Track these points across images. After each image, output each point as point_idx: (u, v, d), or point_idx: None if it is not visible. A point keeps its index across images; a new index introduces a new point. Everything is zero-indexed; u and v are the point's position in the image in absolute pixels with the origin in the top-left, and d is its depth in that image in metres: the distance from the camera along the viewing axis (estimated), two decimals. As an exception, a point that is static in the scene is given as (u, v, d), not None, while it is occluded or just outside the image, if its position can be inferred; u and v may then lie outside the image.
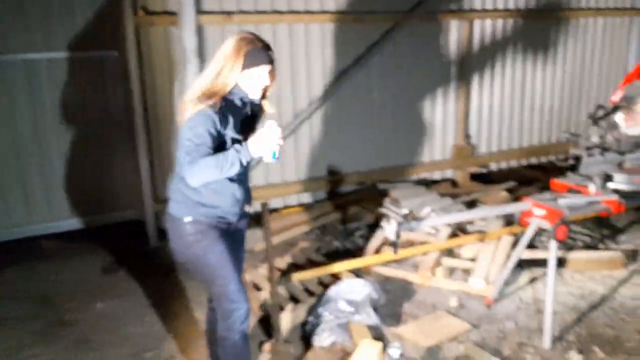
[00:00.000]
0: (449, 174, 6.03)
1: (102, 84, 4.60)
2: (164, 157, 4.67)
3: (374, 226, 4.67)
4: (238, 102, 2.23)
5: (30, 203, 4.53)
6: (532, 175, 6.10)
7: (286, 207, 5.19)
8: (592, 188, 3.07)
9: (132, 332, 3.26)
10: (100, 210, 4.75)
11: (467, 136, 6.04)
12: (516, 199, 5.00)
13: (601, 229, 4.44)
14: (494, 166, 6.31)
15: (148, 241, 4.53)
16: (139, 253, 4.39)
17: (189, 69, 4.40)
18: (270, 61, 2.19)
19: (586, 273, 3.73)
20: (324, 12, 5.06)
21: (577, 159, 3.23)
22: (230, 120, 2.17)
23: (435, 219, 2.94)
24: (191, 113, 2.12)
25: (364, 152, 5.53)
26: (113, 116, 4.67)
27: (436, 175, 5.95)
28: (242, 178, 2.31)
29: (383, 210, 2.85)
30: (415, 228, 2.85)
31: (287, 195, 5.23)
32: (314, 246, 4.35)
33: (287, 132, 5.01)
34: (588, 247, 4.13)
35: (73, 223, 4.70)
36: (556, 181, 3.24)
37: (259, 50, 2.16)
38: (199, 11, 4.48)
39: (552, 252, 2.87)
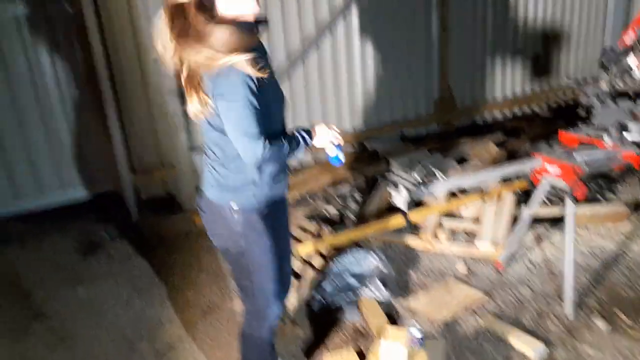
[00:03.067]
0: (434, 128, 5.83)
1: (55, 44, 4.08)
2: (136, 124, 4.27)
3: (365, 189, 4.46)
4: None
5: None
6: (517, 126, 5.96)
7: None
8: (607, 140, 2.89)
9: (121, 320, 2.99)
10: (72, 184, 4.34)
11: (449, 88, 5.81)
12: (509, 153, 4.86)
13: (597, 179, 4.34)
14: (478, 119, 6.15)
15: (129, 215, 4.19)
16: (120, 229, 4.06)
17: (155, 22, 3.95)
18: None
19: (591, 228, 3.64)
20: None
21: (588, 108, 3.04)
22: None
23: (447, 183, 2.73)
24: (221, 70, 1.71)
25: (346, 110, 5.25)
26: (72, 80, 4.19)
27: (422, 130, 5.74)
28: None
29: (390, 176, 2.62)
30: (427, 195, 2.63)
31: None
32: (303, 212, 4.11)
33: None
34: (587, 200, 4.02)
35: (44, 200, 4.26)
36: (566, 134, 3.06)
37: None
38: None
39: (569, 215, 2.71)
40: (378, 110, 5.42)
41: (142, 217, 4.19)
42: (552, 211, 3.77)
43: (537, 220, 3.70)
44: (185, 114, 4.23)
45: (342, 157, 2.01)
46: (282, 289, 2.10)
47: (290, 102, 4.92)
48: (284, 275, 2.10)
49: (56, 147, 4.24)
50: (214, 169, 1.91)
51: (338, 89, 5.14)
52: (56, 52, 4.10)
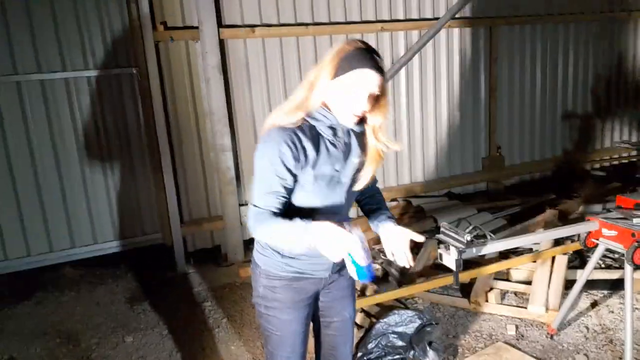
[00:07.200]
0: (482, 186, 5.78)
1: (121, 103, 4.38)
2: (189, 177, 4.46)
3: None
4: (326, 132, 1.68)
5: (51, 229, 4.30)
6: (569, 185, 5.82)
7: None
8: (667, 204, 2.79)
9: (165, 371, 3.02)
10: (124, 234, 4.52)
11: (498, 147, 5.79)
12: (560, 214, 4.74)
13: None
14: (527, 177, 6.06)
15: (175, 267, 4.30)
16: (167, 280, 4.16)
17: (212, 84, 4.21)
18: (376, 67, 1.59)
19: (651, 294, 3.45)
20: (349, 22, 4.85)
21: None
22: (321, 156, 1.66)
23: (498, 244, 2.68)
24: (261, 135, 1.68)
25: (393, 166, 5.30)
26: (132, 136, 4.45)
27: (469, 188, 5.69)
28: (335, 213, 1.76)
29: (440, 236, 2.59)
30: (477, 255, 2.58)
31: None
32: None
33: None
34: (646, 264, 3.83)
35: (97, 249, 4.45)
36: (623, 197, 2.97)
37: (358, 52, 1.58)
38: (221, 25, 4.30)
39: (628, 279, 2.59)
40: (424, 166, 5.44)
41: (188, 270, 4.29)
42: (609, 275, 3.61)
43: (592, 285, 3.55)
44: (236, 169, 4.45)
45: (367, 269, 1.54)
46: None
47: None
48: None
49: (113, 197, 4.45)
50: None
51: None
52: (120, 109, 4.38)
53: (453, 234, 2.60)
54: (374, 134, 1.72)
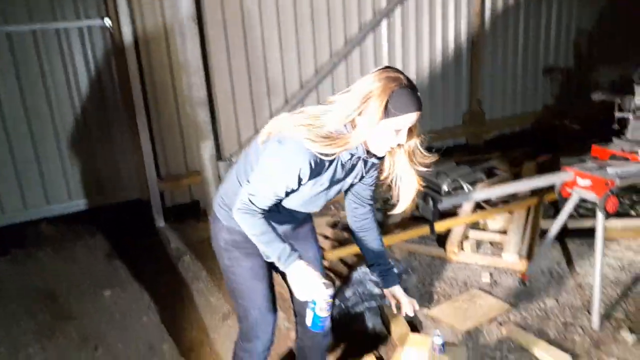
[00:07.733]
0: (462, 140, 5.79)
1: (93, 56, 4.23)
2: (165, 131, 4.39)
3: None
4: (345, 157, 1.67)
5: (25, 186, 4.22)
6: (548, 138, 5.86)
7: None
8: (641, 154, 2.82)
9: (144, 323, 3.04)
10: (100, 191, 4.46)
11: (478, 101, 5.78)
12: (538, 166, 4.78)
13: (630, 194, 4.22)
14: (507, 131, 6.08)
15: (153, 222, 4.27)
16: (145, 235, 4.14)
17: (188, 36, 4.07)
18: (420, 105, 1.56)
19: (622, 242, 3.53)
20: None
21: (622, 122, 2.99)
22: (327, 174, 1.69)
23: (474, 194, 2.70)
24: (282, 137, 1.61)
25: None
26: (106, 90, 4.32)
27: (449, 142, 5.70)
28: (309, 212, 1.89)
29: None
30: (453, 205, 2.61)
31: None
32: (328, 221, 4.11)
33: (294, 101, 4.73)
34: (618, 214, 3.91)
35: (73, 205, 4.40)
36: (598, 147, 3.00)
37: (404, 93, 1.52)
38: (195, -27, 4.12)
39: (599, 226, 2.64)
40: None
41: (166, 224, 4.27)
42: (582, 224, 3.69)
43: (566, 233, 3.62)
44: (214, 123, 4.37)
45: (322, 321, 1.63)
46: (267, 320, 1.97)
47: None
48: (268, 312, 1.97)
49: (87, 154, 4.36)
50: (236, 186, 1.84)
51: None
52: (93, 63, 4.24)
53: (431, 185, 2.61)
54: (409, 158, 1.68)
